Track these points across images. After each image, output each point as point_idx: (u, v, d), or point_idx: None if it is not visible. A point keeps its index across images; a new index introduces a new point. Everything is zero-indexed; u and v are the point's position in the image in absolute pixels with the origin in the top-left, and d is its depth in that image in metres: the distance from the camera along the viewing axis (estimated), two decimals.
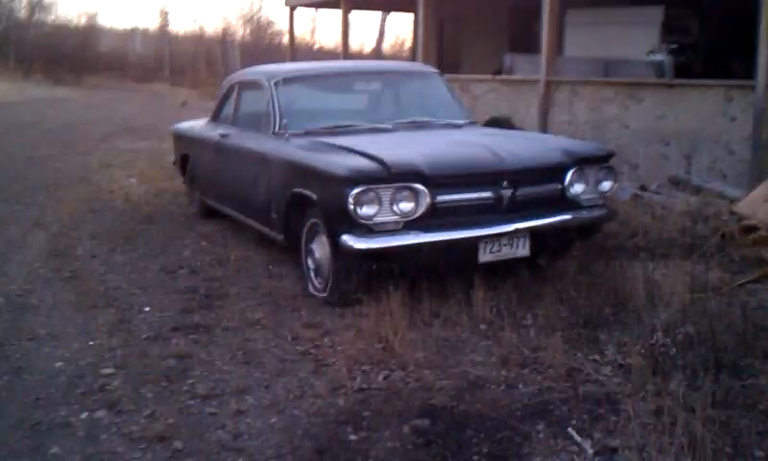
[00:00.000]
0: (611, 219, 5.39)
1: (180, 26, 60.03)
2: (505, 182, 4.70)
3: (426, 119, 5.92)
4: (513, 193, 4.72)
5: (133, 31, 39.08)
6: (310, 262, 5.10)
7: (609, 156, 5.22)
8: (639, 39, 9.77)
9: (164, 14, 45.92)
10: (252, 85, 6.49)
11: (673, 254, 5.77)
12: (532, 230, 4.78)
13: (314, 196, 4.81)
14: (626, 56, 9.84)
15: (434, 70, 6.66)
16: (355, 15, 16.65)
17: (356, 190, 4.39)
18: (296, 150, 5.26)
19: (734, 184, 7.27)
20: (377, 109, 6.12)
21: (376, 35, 37.03)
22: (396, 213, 4.50)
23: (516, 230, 4.70)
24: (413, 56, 19.83)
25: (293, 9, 17.58)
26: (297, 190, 5.06)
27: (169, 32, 37.74)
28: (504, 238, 4.71)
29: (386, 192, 4.46)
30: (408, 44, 28.90)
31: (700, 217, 6.20)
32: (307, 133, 5.52)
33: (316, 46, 37.45)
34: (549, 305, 4.67)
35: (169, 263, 5.92)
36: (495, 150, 4.84)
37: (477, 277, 4.88)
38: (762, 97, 6.99)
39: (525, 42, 14.85)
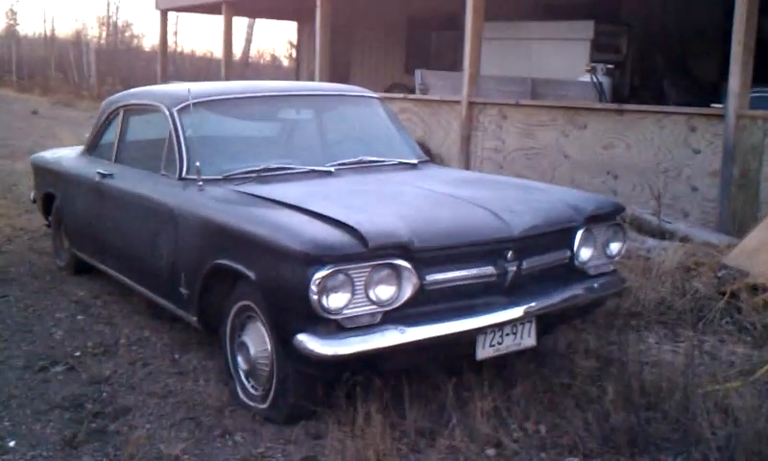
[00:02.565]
0: (622, 290, 4.35)
1: (29, 28, 55.84)
2: (510, 253, 3.55)
3: (374, 158, 4.69)
4: (518, 267, 3.58)
5: None
6: (240, 361, 3.76)
7: (618, 211, 4.17)
8: (567, 57, 8.94)
9: (12, 14, 42.11)
10: (145, 111, 5.04)
11: (673, 322, 4.82)
12: (539, 314, 3.66)
13: (249, 274, 3.48)
14: (552, 75, 8.98)
15: (373, 94, 5.44)
16: (218, 20, 15.14)
17: (321, 273, 3.11)
18: (217, 205, 3.90)
19: (699, 225, 6.47)
20: (311, 145, 4.82)
21: (243, 42, 35.33)
22: (372, 301, 3.24)
23: (525, 315, 3.57)
24: (299, 68, 18.51)
25: (164, 13, 15.87)
26: (220, 262, 3.71)
27: (17, 33, 34.57)
28: (507, 326, 3.56)
29: (360, 274, 3.21)
30: (275, 52, 27.71)
31: (689, 272, 5.30)
32: (226, 179, 4.17)
33: (179, 50, 35.27)
34: (568, 411, 3.56)
35: (36, 352, 4.38)
36: (493, 210, 3.68)
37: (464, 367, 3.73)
38: (733, 128, 6.22)
39: (422, 57, 13.94)
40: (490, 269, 3.51)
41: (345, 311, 3.19)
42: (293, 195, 3.80)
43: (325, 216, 3.40)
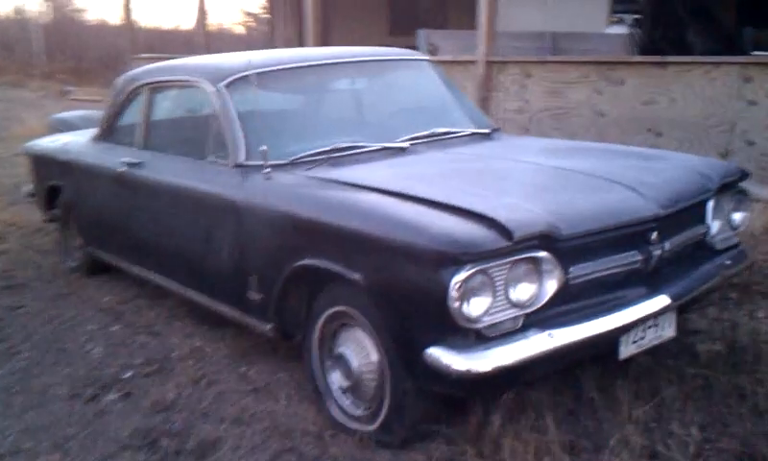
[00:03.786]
0: (750, 264, 3.90)
1: None
2: (654, 235, 3.05)
3: (446, 129, 4.13)
4: (662, 249, 3.09)
5: None
6: (336, 375, 3.22)
7: (744, 175, 3.69)
8: (586, 8, 8.41)
9: None
10: (177, 88, 4.42)
11: None
12: (681, 301, 3.17)
13: (353, 276, 2.93)
14: (569, 28, 8.45)
15: (423, 56, 4.87)
16: None
17: (461, 275, 2.58)
18: (298, 196, 3.32)
19: (758, 182, 6.05)
20: (375, 118, 4.24)
21: (196, 13, 33.99)
22: (513, 304, 2.72)
23: (671, 303, 3.08)
24: (273, 34, 17.68)
25: None
26: (308, 263, 3.16)
27: None
28: (650, 318, 3.07)
29: (500, 272, 2.68)
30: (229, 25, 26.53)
31: None
32: (293, 164, 3.60)
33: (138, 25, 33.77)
34: (715, 409, 3.12)
35: (79, 376, 3.78)
36: (629, 184, 3.17)
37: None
38: None
39: (408, 19, 13.29)
40: (635, 254, 3.00)
41: (485, 318, 2.66)
42: (383, 179, 3.25)
43: (447, 205, 2.85)
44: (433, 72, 4.61)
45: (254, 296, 3.51)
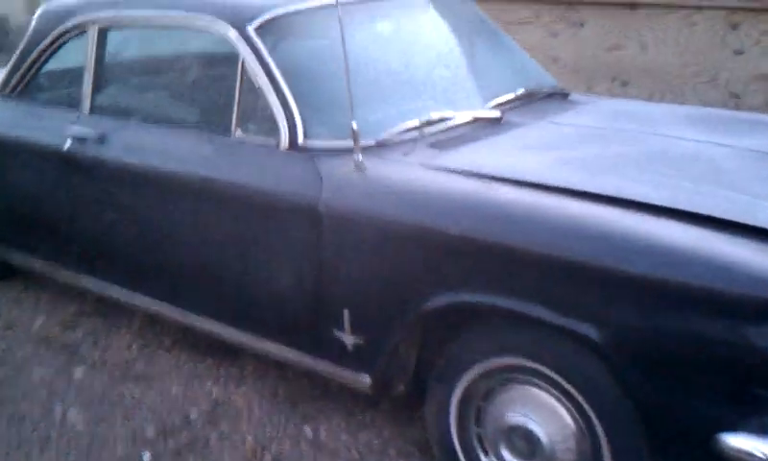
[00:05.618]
0: None
1: None
2: None
3: (528, 90, 3.20)
4: None
5: None
6: (505, 453, 2.28)
7: None
8: None
9: None
10: (160, 28, 3.14)
11: None
12: None
13: (578, 327, 1.97)
14: None
15: None
16: None
17: None
18: (447, 198, 2.25)
19: None
20: (445, 76, 3.15)
21: None
22: None
23: None
24: None
25: None
26: (467, 298, 2.17)
27: None
28: None
29: None
30: None
31: None
32: (380, 146, 2.54)
33: None
34: None
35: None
36: None
37: None
38: None
39: None
40: None
41: None
42: (545, 170, 2.31)
43: (718, 219, 1.97)
44: (479, 11, 3.65)
45: (346, 339, 2.45)
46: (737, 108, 5.71)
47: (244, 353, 3.04)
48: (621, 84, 6.27)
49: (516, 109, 3.01)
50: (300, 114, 2.58)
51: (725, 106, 5.74)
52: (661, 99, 6.01)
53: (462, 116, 2.80)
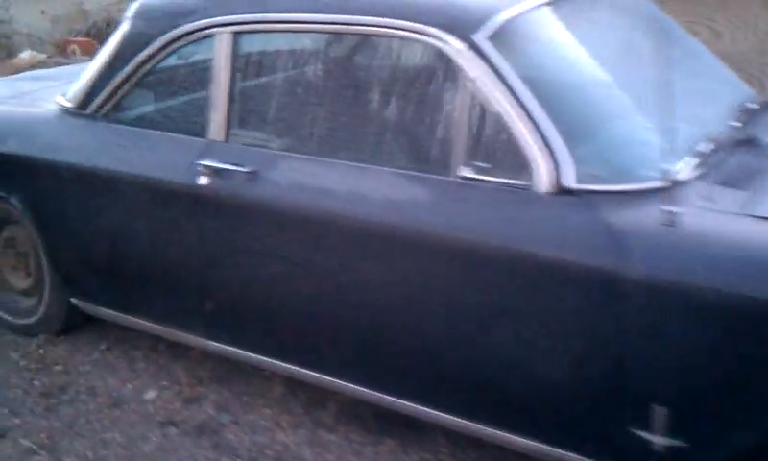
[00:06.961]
0: None
1: None
2: None
3: (754, 104, 2.70)
4: None
5: None
6: None
7: None
8: None
9: None
10: (335, 38, 2.50)
11: None
12: None
13: None
14: None
15: None
16: None
17: None
18: None
19: None
20: (672, 88, 2.61)
21: None
22: None
23: None
24: None
25: None
26: None
27: None
28: None
29: None
30: None
31: None
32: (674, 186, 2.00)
33: None
34: None
35: None
36: None
37: None
38: None
39: None
40: None
41: None
42: None
43: None
44: (658, 10, 3.14)
45: (657, 441, 1.90)
46: None
47: (432, 429, 2.46)
48: None
49: (754, 125, 2.51)
50: (567, 147, 2.01)
51: None
52: None
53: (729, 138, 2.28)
